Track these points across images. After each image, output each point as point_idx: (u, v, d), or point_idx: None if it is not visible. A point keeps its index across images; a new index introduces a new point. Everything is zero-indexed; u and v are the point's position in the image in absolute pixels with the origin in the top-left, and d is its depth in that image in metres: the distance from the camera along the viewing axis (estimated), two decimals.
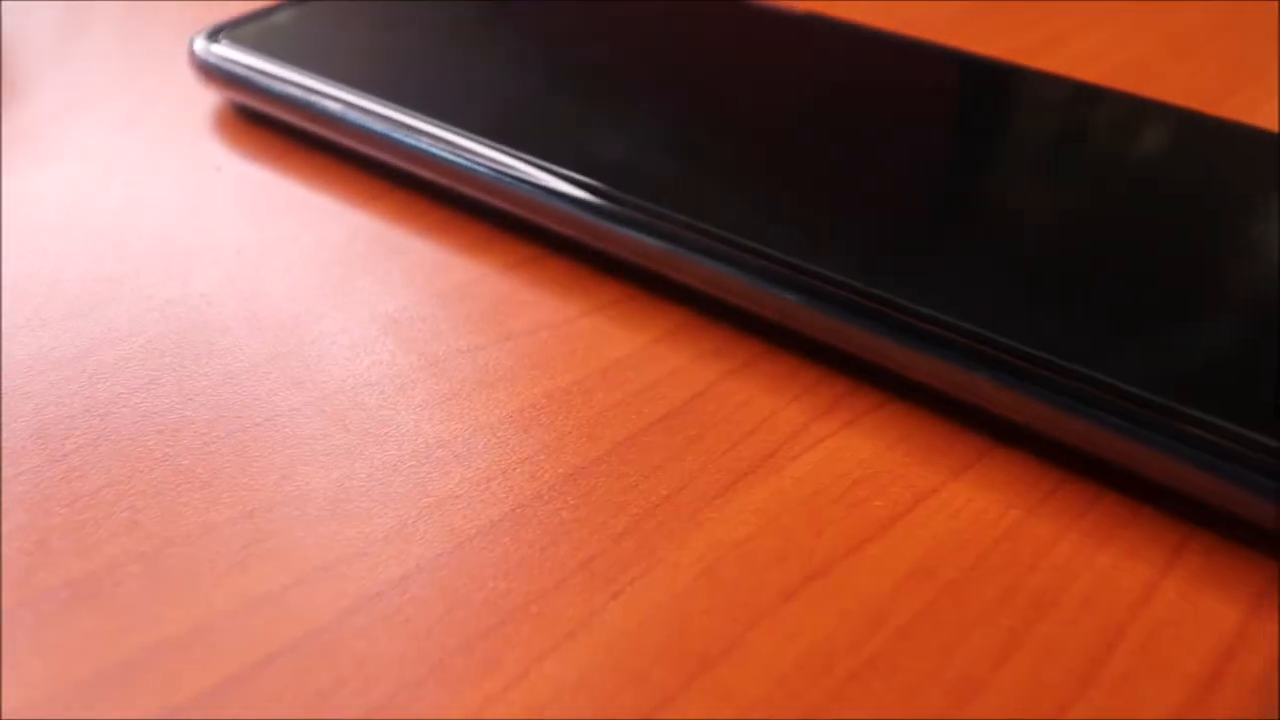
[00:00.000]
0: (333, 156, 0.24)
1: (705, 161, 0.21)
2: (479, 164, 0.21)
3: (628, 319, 0.19)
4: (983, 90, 0.24)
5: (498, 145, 0.21)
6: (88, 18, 0.30)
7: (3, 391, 0.18)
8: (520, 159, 0.21)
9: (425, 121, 0.22)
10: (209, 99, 0.26)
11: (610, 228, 0.20)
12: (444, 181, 0.22)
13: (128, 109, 0.25)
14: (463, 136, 0.21)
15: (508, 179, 0.21)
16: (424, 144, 0.22)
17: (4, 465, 0.16)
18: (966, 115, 0.23)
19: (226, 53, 0.24)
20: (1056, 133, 0.22)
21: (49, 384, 0.18)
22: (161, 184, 0.23)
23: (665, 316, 0.19)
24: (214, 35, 0.25)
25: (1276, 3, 0.32)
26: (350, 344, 0.19)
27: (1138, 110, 0.23)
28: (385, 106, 0.22)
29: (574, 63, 0.24)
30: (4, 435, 0.17)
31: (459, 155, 0.21)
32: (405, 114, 0.22)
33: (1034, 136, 0.22)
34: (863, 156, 0.21)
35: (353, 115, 0.22)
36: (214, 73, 0.24)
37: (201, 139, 0.24)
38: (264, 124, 0.25)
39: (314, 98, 0.23)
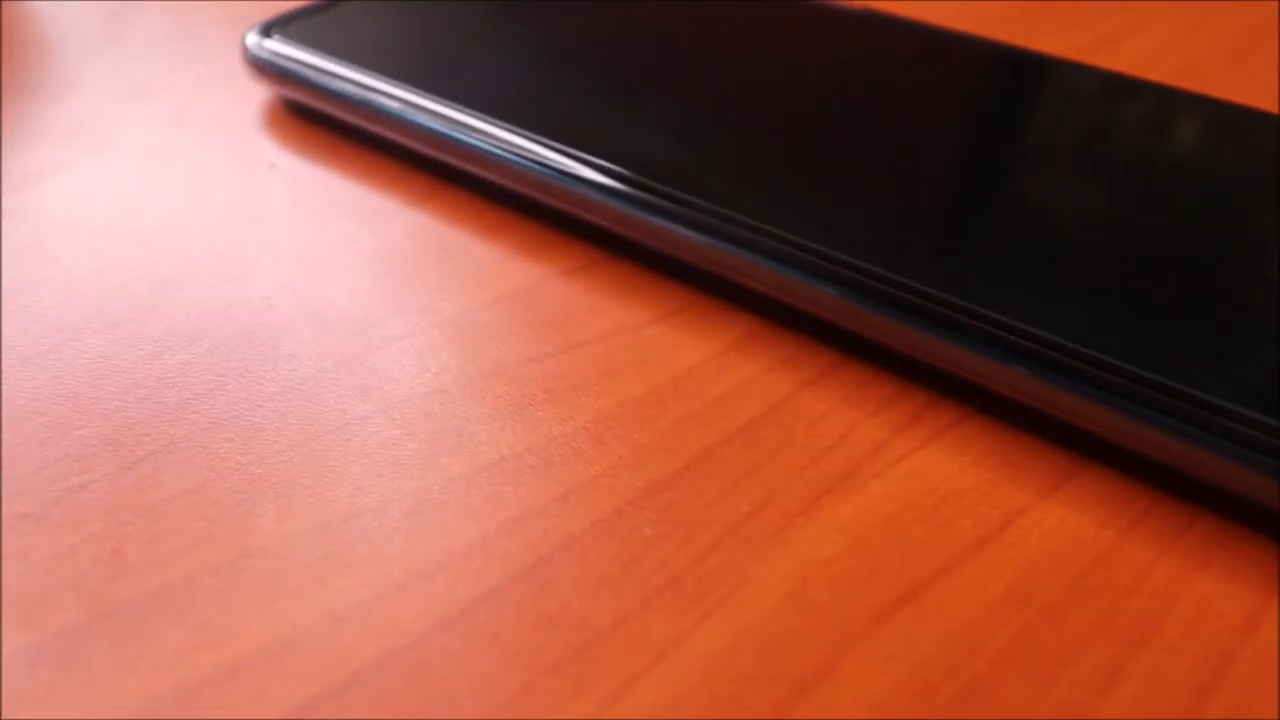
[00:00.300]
0: (387, 154, 0.23)
1: (773, 163, 0.21)
2: (538, 164, 0.21)
3: (696, 326, 0.19)
4: (1050, 88, 0.24)
5: (557, 145, 0.21)
6: (133, 10, 0.30)
7: (72, 394, 0.17)
8: (581, 159, 0.20)
9: (482, 119, 0.21)
10: (259, 94, 0.26)
11: (676, 231, 0.20)
12: (502, 181, 0.21)
13: (177, 104, 0.25)
14: (521, 135, 0.21)
15: (568, 180, 0.20)
16: (481, 142, 0.21)
17: (77, 471, 0.16)
18: (1038, 115, 0.23)
19: (279, 48, 0.24)
20: (1128, 134, 0.22)
21: (116, 388, 0.18)
22: (216, 182, 0.23)
23: (734, 324, 0.19)
24: (266, 30, 0.25)
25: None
26: (416, 350, 0.18)
27: (1198, 108, 0.22)
28: (441, 104, 0.22)
29: (636, 61, 0.24)
30: (75, 440, 0.17)
31: (517, 154, 0.21)
32: (461, 112, 0.22)
33: (1109, 139, 0.22)
34: (936, 159, 0.21)
35: (408, 113, 0.22)
36: (267, 69, 0.24)
37: (253, 135, 0.24)
38: (316, 120, 0.24)
39: (369, 94, 0.23)
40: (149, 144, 0.24)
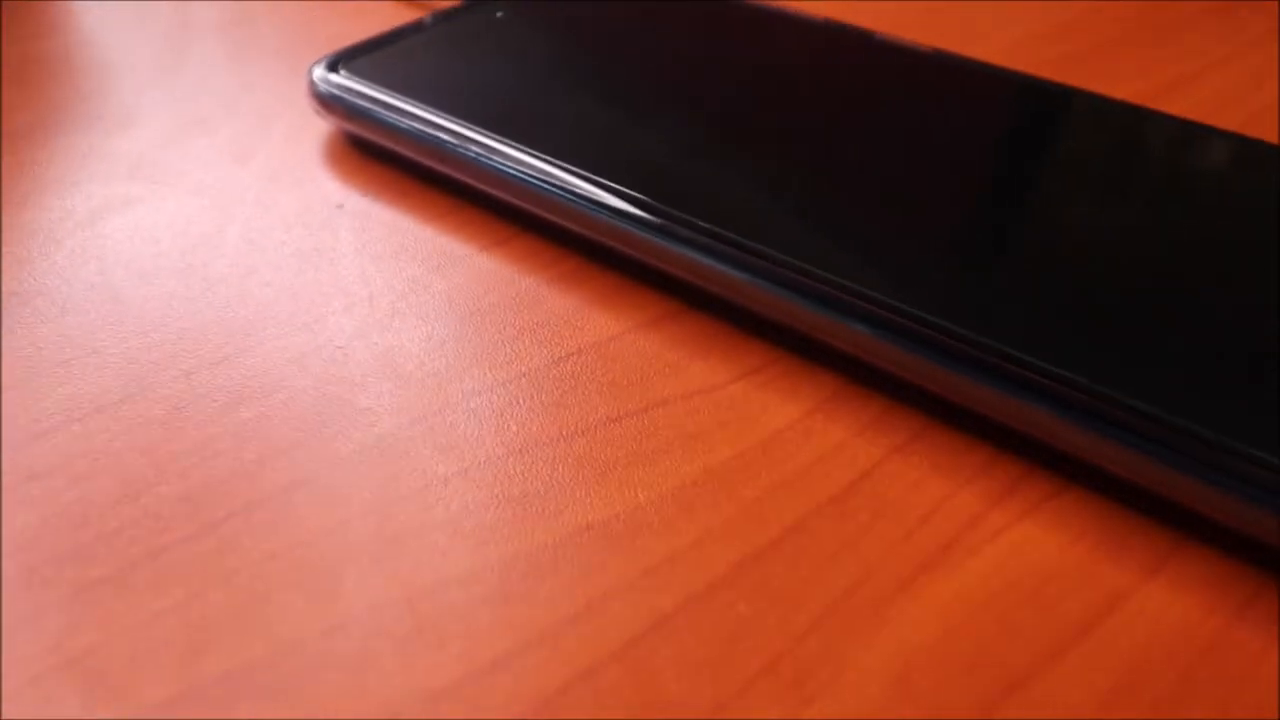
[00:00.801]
0: (455, 195, 0.23)
1: (861, 220, 0.20)
2: (615, 212, 0.21)
3: (780, 386, 0.19)
4: (1121, 137, 0.23)
5: (635, 194, 0.21)
6: (188, 39, 0.30)
7: (147, 448, 0.17)
8: (659, 209, 0.20)
9: (556, 165, 0.21)
10: (320, 128, 0.25)
11: (759, 287, 0.19)
12: (577, 229, 0.21)
13: (238, 138, 0.25)
14: (597, 182, 0.21)
15: (646, 229, 0.20)
16: (555, 188, 0.21)
17: (156, 532, 0.16)
18: (1111, 167, 0.22)
19: (347, 83, 0.24)
20: (1196, 181, 0.22)
21: (192, 443, 0.18)
22: (282, 221, 0.23)
23: (818, 383, 0.19)
24: (333, 65, 0.25)
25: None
26: (495, 406, 0.18)
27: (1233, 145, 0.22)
28: (514, 146, 0.22)
29: (722, 106, 0.24)
30: (153, 498, 0.17)
31: (593, 202, 0.21)
32: (535, 155, 0.22)
33: (1181, 187, 0.22)
34: (1024, 217, 0.20)
35: (480, 155, 0.22)
36: (334, 105, 0.24)
37: (318, 173, 0.24)
38: (381, 157, 0.24)
39: (439, 134, 0.23)
40: (213, 180, 0.24)
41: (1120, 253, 0.19)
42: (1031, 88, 0.24)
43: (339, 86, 0.24)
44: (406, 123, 0.23)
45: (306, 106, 0.26)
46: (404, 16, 0.30)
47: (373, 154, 0.25)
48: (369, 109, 0.24)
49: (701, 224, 0.20)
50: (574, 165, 0.21)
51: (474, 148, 0.22)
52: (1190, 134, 0.23)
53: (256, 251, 0.22)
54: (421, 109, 0.23)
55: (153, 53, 0.29)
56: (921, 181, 0.21)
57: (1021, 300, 0.18)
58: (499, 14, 0.27)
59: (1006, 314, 0.18)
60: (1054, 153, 0.23)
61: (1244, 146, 0.22)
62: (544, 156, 0.22)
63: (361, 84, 0.24)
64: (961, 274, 0.19)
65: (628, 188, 0.21)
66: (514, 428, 0.18)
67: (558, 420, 0.18)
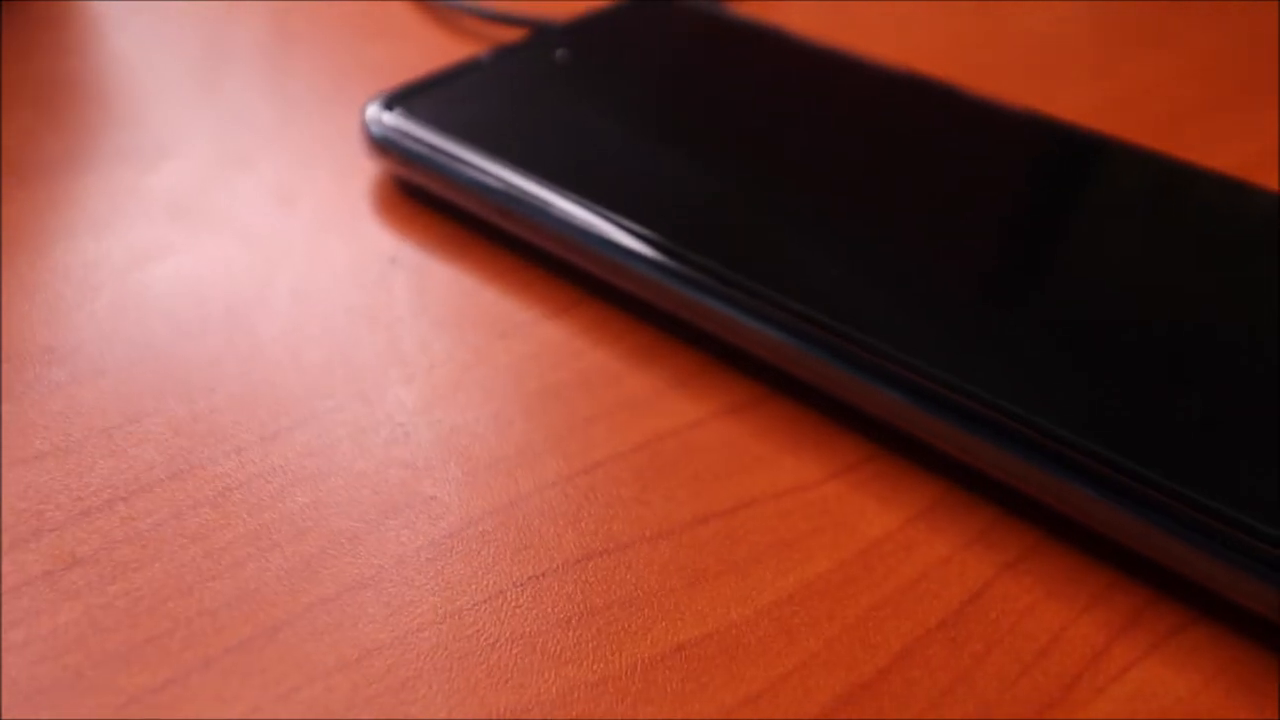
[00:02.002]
0: (515, 251, 0.23)
1: (968, 311, 0.20)
2: (696, 285, 0.20)
3: (879, 487, 0.18)
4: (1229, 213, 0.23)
5: (719, 265, 0.20)
6: (223, 60, 0.29)
7: (199, 535, 0.17)
8: (747, 284, 0.20)
9: (633, 227, 0.21)
10: (366, 168, 0.25)
11: (856, 378, 0.19)
12: (654, 300, 0.21)
13: (282, 178, 0.25)
14: (674, 251, 0.20)
15: (732, 307, 0.20)
16: (630, 255, 0.21)
17: (210, 634, 0.15)
18: (1212, 249, 0.22)
19: (403, 125, 0.23)
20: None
21: (247, 532, 0.17)
22: (332, 275, 0.22)
23: (923, 486, 0.18)
24: (389, 104, 0.24)
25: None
26: (571, 500, 0.18)
27: None
28: (585, 205, 0.21)
29: (817, 167, 0.23)
30: (208, 596, 0.16)
31: (671, 273, 0.20)
32: (608, 217, 0.21)
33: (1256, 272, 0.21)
34: (1139, 315, 0.20)
35: (548, 212, 0.22)
36: (389, 149, 0.24)
37: (369, 221, 0.23)
38: (435, 206, 0.24)
39: (504, 187, 0.22)
40: (257, 226, 0.23)
41: (1241, 355, 0.19)
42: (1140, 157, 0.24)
43: (394, 129, 0.24)
44: (466, 171, 0.23)
45: (351, 143, 0.25)
46: (446, 41, 0.30)
47: (425, 201, 0.24)
48: (427, 155, 0.23)
49: (793, 304, 0.19)
50: (649, 228, 0.21)
51: (538, 203, 0.22)
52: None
53: (307, 308, 0.21)
54: (482, 157, 0.22)
55: (186, 75, 0.28)
56: (1038, 270, 0.21)
57: (1146, 409, 0.18)
58: (560, 52, 0.26)
59: (1131, 423, 0.17)
60: (1160, 236, 0.22)
61: None
62: (616, 217, 0.21)
63: (418, 127, 0.23)
64: (1082, 376, 0.18)
65: (709, 257, 0.20)
66: (592, 526, 0.17)
67: (639, 519, 0.18)
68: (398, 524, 0.17)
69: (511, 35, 0.29)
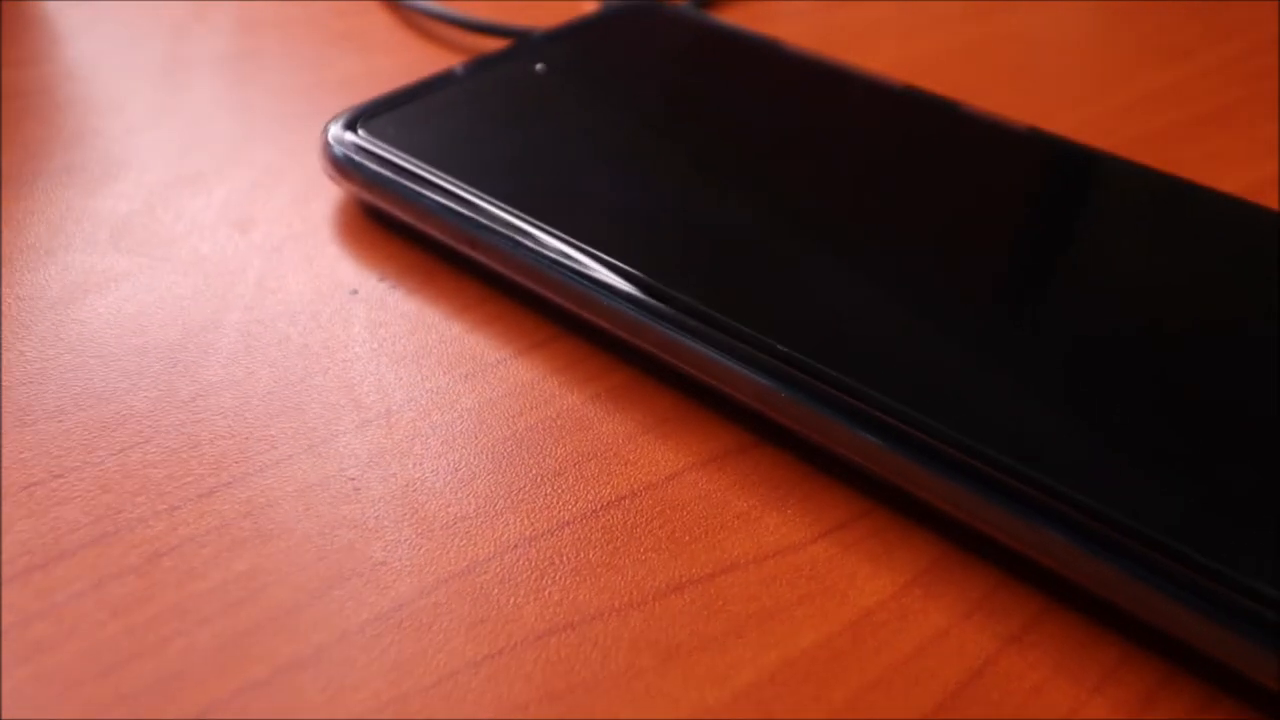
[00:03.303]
0: (487, 282, 0.21)
1: (977, 359, 0.18)
2: (676, 324, 0.19)
3: (870, 548, 0.17)
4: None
5: (701, 303, 0.18)
6: (185, 73, 0.28)
7: (121, 608, 0.15)
8: (730, 325, 0.18)
9: (608, 260, 0.19)
10: (330, 190, 0.23)
11: (852, 430, 0.17)
12: (630, 339, 0.19)
13: (238, 200, 0.23)
14: (654, 287, 0.19)
15: (714, 348, 0.18)
16: (605, 290, 0.19)
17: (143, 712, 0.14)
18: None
19: (368, 146, 0.22)
20: None
21: (174, 603, 0.16)
22: (287, 310, 0.20)
23: (918, 547, 0.17)
24: (351, 123, 0.22)
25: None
26: (534, 566, 0.16)
27: None
28: (559, 236, 0.20)
29: (809, 191, 0.22)
30: (125, 679, 0.14)
31: (651, 310, 0.19)
32: (583, 248, 0.20)
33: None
34: (1161, 366, 0.18)
35: (518, 242, 0.20)
36: (351, 171, 0.22)
37: (329, 249, 0.22)
38: (402, 233, 0.22)
39: (471, 214, 0.21)
40: (209, 252, 0.22)
41: (1263, 407, 0.17)
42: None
43: (357, 149, 0.22)
44: (432, 196, 0.21)
45: (314, 163, 0.23)
46: (425, 51, 0.28)
47: (392, 227, 0.22)
48: (390, 178, 0.22)
49: (779, 345, 0.18)
50: (626, 261, 0.19)
51: (510, 232, 0.20)
52: None
53: (257, 348, 0.19)
54: (451, 181, 0.21)
55: (144, 87, 0.27)
56: (1045, 309, 0.19)
57: (1162, 467, 0.16)
58: (539, 66, 0.25)
59: (1147, 482, 0.16)
60: (1177, 268, 0.20)
61: None
62: (591, 249, 0.19)
63: (383, 147, 0.22)
64: (1093, 430, 0.17)
65: (689, 293, 0.18)
66: (556, 595, 0.16)
67: (609, 586, 0.16)
68: (342, 594, 0.16)
69: (495, 45, 0.28)
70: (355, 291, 0.21)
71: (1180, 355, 0.18)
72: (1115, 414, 0.17)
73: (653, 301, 0.19)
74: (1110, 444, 0.16)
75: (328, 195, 0.23)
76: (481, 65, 0.25)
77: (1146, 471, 0.16)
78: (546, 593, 0.16)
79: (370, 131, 0.22)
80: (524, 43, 0.26)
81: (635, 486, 0.18)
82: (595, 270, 0.19)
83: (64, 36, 0.29)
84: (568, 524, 0.17)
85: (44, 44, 0.28)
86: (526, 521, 0.17)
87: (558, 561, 0.16)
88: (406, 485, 0.17)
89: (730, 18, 0.30)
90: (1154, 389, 0.17)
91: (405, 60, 0.29)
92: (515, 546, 0.17)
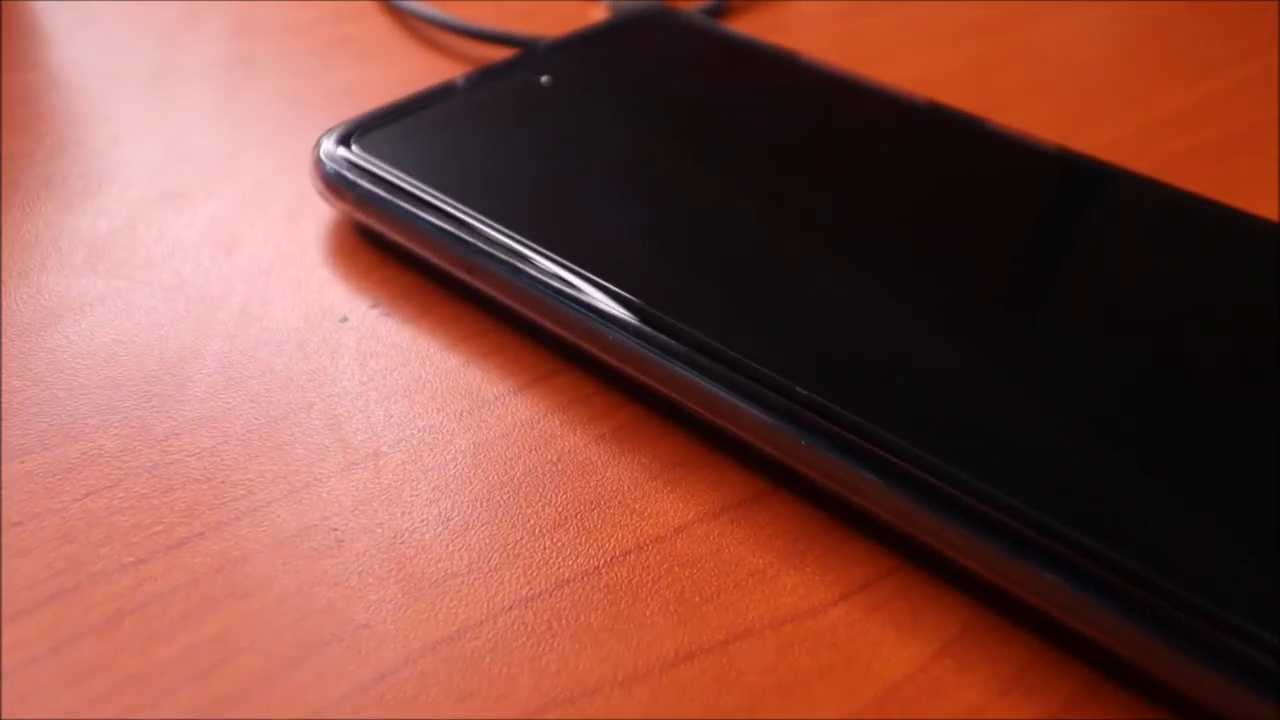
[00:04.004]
0: (487, 312, 0.20)
1: (1002, 398, 0.17)
2: (686, 360, 0.17)
3: (897, 612, 0.15)
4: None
5: (712, 336, 0.17)
6: (175, 82, 0.26)
7: (75, 679, 0.13)
8: (746, 365, 0.17)
9: (617, 292, 0.18)
10: (323, 209, 0.22)
11: (874, 482, 0.16)
12: (639, 376, 0.18)
13: (224, 218, 0.22)
14: (665, 323, 0.17)
15: (727, 387, 0.17)
16: (613, 323, 0.18)
17: None
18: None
19: (360, 163, 0.20)
20: None
21: (135, 671, 0.14)
22: (272, 339, 0.19)
23: (948, 611, 0.15)
24: (345, 138, 0.21)
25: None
26: (531, 631, 0.15)
27: None
28: (563, 264, 0.18)
29: (827, 227, 0.20)
30: None
31: (662, 348, 0.17)
32: (590, 278, 0.18)
33: None
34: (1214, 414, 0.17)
35: (519, 270, 0.19)
36: (343, 190, 0.20)
37: (320, 272, 0.20)
38: (397, 256, 0.21)
39: (470, 238, 0.19)
40: (190, 274, 0.20)
41: None
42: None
43: (350, 166, 0.20)
44: (429, 218, 0.20)
45: (307, 180, 0.22)
46: (427, 61, 0.26)
47: (386, 250, 0.21)
48: (385, 197, 0.20)
49: (799, 389, 0.16)
50: (636, 292, 0.18)
51: (510, 257, 0.19)
52: None
53: (239, 381, 0.18)
54: (448, 202, 0.19)
55: (132, 96, 0.25)
56: (1083, 350, 0.17)
57: (1218, 526, 0.15)
58: (545, 78, 0.23)
59: (1201, 547, 0.14)
60: (1218, 301, 0.19)
61: None
62: (598, 277, 0.18)
63: (377, 164, 0.20)
64: (1141, 483, 0.15)
65: (703, 328, 0.17)
66: (555, 665, 0.14)
67: (611, 654, 0.14)
68: (320, 663, 0.14)
69: (500, 55, 0.26)
70: (345, 319, 0.19)
71: (1234, 401, 0.16)
72: (1175, 470, 0.15)
73: (662, 336, 0.17)
74: (1170, 504, 0.15)
75: (319, 215, 0.22)
76: (484, 76, 0.23)
77: (1213, 537, 0.14)
78: (543, 661, 0.14)
79: (364, 147, 0.21)
80: (530, 53, 0.25)
81: (641, 540, 0.16)
82: (601, 301, 0.18)
83: (52, 40, 0.27)
84: (568, 582, 0.15)
85: (30, 49, 0.27)
86: (523, 579, 0.15)
87: (556, 626, 0.15)
88: (394, 537, 0.16)
89: (745, 28, 0.28)
90: (1214, 436, 0.16)
91: (406, 70, 0.27)
92: (510, 608, 0.15)
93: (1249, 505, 0.15)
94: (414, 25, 0.29)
